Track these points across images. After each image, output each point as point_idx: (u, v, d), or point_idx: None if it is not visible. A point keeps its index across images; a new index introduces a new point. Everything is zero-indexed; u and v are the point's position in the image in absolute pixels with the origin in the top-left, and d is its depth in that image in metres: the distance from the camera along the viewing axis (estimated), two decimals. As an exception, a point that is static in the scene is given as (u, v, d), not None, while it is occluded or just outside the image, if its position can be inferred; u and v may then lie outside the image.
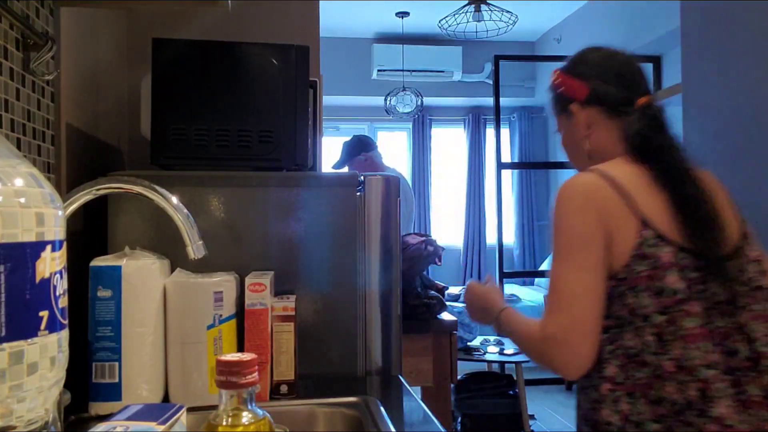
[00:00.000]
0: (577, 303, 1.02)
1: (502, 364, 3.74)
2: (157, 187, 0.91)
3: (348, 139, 3.39)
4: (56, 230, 0.57)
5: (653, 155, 1.11)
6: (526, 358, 3.62)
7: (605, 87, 1.18)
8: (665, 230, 1.03)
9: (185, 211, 0.92)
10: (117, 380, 1.01)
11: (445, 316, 2.25)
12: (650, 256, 1.02)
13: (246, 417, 0.63)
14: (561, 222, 1.08)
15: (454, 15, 4.10)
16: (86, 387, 1.01)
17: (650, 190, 1.07)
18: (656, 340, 1.01)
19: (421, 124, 6.35)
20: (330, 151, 3.57)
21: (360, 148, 3.28)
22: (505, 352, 3.68)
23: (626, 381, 1.02)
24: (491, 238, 6.23)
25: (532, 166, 6.52)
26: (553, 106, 1.29)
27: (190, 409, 0.74)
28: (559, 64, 1.38)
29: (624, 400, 1.02)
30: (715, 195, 1.11)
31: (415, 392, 1.19)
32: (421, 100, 5.38)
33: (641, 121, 1.14)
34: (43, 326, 0.54)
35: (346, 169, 3.33)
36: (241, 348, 1.12)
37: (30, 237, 0.53)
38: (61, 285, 0.58)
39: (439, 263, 2.31)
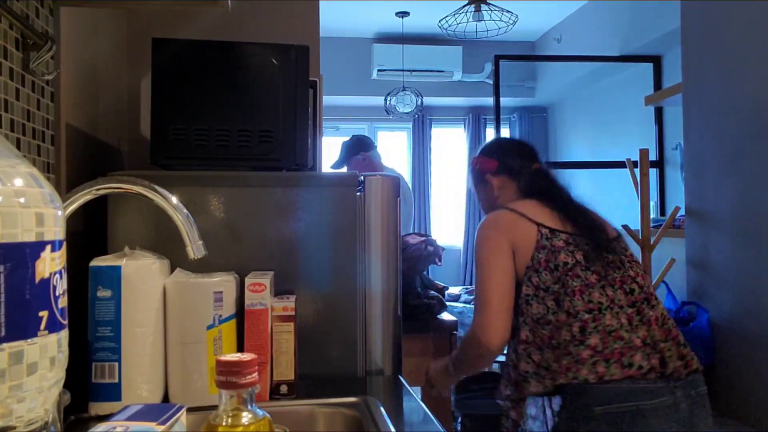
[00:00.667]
0: (490, 306, 1.45)
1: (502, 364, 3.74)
2: (157, 187, 0.91)
3: (347, 138, 3.39)
4: (56, 230, 0.57)
5: (544, 194, 1.57)
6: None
7: (508, 160, 1.67)
8: (557, 226, 1.48)
9: (185, 211, 0.92)
10: (117, 380, 1.01)
11: (445, 316, 2.25)
12: (547, 245, 1.44)
13: (246, 417, 0.63)
14: (478, 247, 1.51)
15: (454, 15, 4.10)
16: (86, 387, 1.01)
17: (541, 208, 1.51)
18: (554, 302, 1.39)
19: (421, 124, 6.35)
20: (330, 151, 3.57)
21: (359, 148, 3.28)
22: (506, 352, 3.67)
23: (535, 339, 1.40)
24: (491, 238, 6.22)
25: (532, 166, 6.50)
26: (473, 181, 1.74)
27: (190, 410, 0.74)
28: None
29: (535, 353, 1.40)
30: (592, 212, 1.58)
31: (415, 392, 1.19)
32: (421, 100, 5.38)
33: (535, 175, 1.64)
34: (42, 326, 0.54)
35: (344, 169, 3.33)
36: (241, 348, 1.12)
37: (30, 237, 0.53)
38: (61, 285, 0.58)
39: (439, 263, 2.31)
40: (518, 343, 1.44)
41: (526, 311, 1.43)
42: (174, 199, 0.92)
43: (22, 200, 0.53)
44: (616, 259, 1.46)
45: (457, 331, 2.20)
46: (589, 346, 1.33)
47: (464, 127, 6.46)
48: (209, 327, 1.07)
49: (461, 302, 4.91)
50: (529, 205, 1.53)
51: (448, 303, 2.39)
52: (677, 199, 3.71)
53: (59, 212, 0.58)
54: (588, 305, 1.37)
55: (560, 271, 1.41)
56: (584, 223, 1.49)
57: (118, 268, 1.02)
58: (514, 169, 1.65)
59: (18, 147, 1.01)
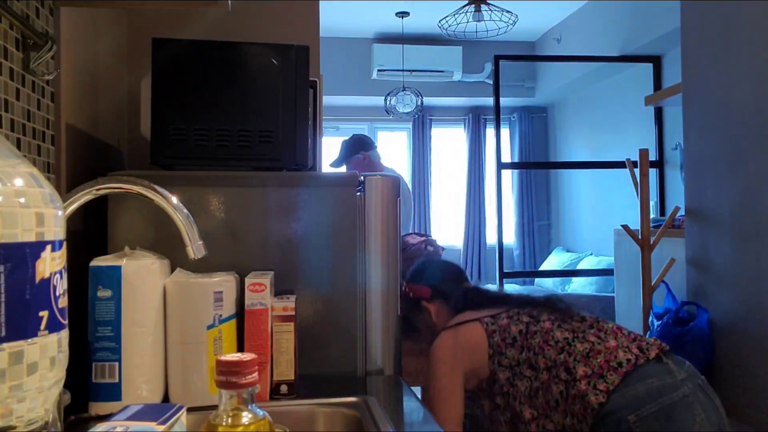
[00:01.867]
0: (441, 413, 1.50)
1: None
2: (157, 187, 0.91)
3: (347, 137, 3.39)
4: (56, 230, 0.57)
5: (479, 305, 1.63)
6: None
7: (439, 285, 1.72)
8: (494, 311, 1.58)
9: (185, 211, 0.92)
10: (117, 380, 1.01)
11: (445, 316, 2.25)
12: (496, 329, 1.53)
13: (246, 417, 0.63)
14: (431, 376, 1.55)
15: (454, 15, 4.10)
16: (86, 387, 1.01)
17: (477, 311, 1.60)
18: (531, 369, 1.46)
19: (421, 124, 6.35)
20: (330, 151, 3.57)
21: (359, 147, 3.28)
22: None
23: (538, 411, 1.46)
24: (491, 238, 6.23)
25: (532, 166, 6.52)
26: (408, 308, 1.67)
27: (190, 409, 0.74)
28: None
29: (548, 424, 1.45)
30: None
31: (416, 392, 1.19)
32: (421, 100, 5.38)
33: (468, 292, 1.71)
34: (42, 326, 0.54)
35: (344, 168, 3.33)
36: (241, 348, 1.12)
37: (30, 237, 0.53)
38: (61, 285, 0.58)
39: (439, 263, 2.31)
40: (528, 425, 1.47)
41: (515, 394, 1.48)
42: (174, 199, 0.92)
43: (22, 200, 0.53)
44: (554, 304, 1.59)
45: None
46: (581, 378, 1.39)
47: (464, 127, 6.46)
48: (209, 327, 1.07)
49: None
50: (465, 314, 1.61)
51: (448, 303, 2.38)
52: (677, 199, 3.71)
53: (59, 212, 0.58)
54: (558, 347, 1.45)
55: (519, 340, 1.50)
56: (511, 296, 1.65)
57: (118, 268, 1.02)
58: (446, 293, 1.71)
59: (18, 147, 1.01)
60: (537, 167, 6.53)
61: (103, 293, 1.01)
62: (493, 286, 5.48)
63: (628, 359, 1.39)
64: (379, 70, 5.66)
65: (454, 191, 6.50)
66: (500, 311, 1.58)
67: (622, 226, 2.76)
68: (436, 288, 1.72)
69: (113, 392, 1.01)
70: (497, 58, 4.33)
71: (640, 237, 2.69)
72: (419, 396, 1.51)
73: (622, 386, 1.35)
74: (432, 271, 1.79)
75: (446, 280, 1.75)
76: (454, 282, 1.75)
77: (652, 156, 4.08)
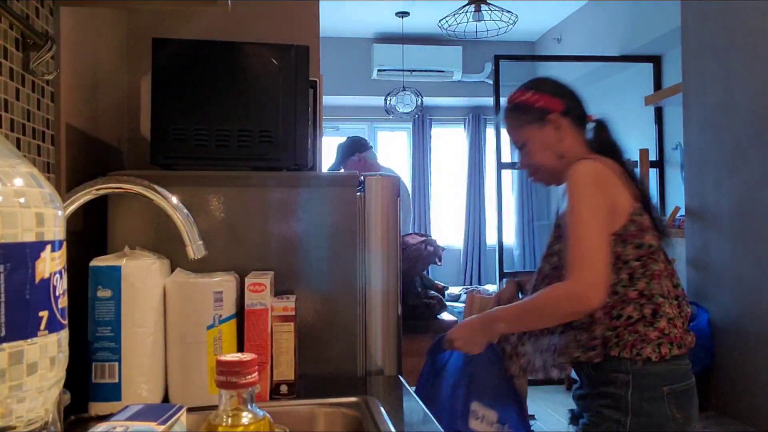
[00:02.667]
0: (597, 262, 1.33)
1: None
2: (157, 187, 0.91)
3: (342, 141, 3.40)
4: (56, 230, 0.57)
5: (613, 154, 1.50)
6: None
7: (572, 103, 1.54)
8: (640, 203, 1.43)
9: (185, 211, 0.92)
10: (117, 380, 1.01)
11: (445, 316, 2.25)
12: (636, 221, 1.41)
13: (246, 417, 0.63)
14: (579, 196, 1.39)
15: (454, 15, 4.10)
16: (86, 387, 1.01)
17: (623, 176, 1.45)
18: (628, 277, 1.39)
19: (421, 124, 6.35)
20: (330, 151, 3.57)
21: (354, 149, 3.29)
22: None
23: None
24: (491, 238, 6.23)
25: (532, 166, 6.50)
26: (520, 119, 1.55)
27: (190, 410, 0.74)
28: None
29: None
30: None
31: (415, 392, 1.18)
32: (421, 100, 5.38)
33: (604, 131, 1.54)
34: (42, 326, 0.54)
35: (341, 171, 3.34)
36: (241, 348, 1.12)
37: (30, 237, 0.53)
38: (61, 285, 0.58)
39: (439, 263, 2.31)
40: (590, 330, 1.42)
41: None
42: (174, 199, 0.92)
43: (22, 200, 0.53)
44: (665, 252, 1.48)
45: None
46: (657, 329, 1.36)
47: (464, 127, 6.46)
48: (209, 327, 1.07)
49: (461, 302, 4.91)
50: (615, 168, 1.44)
51: (448, 303, 2.39)
52: (677, 199, 3.71)
53: (59, 212, 0.58)
54: (661, 290, 1.39)
55: (644, 251, 1.39)
56: (650, 206, 1.47)
57: (118, 268, 1.02)
58: (580, 117, 1.53)
59: (18, 147, 1.01)
60: (537, 167, 6.51)
61: (103, 293, 1.01)
62: (494, 287, 5.49)
63: (688, 342, 1.41)
64: (379, 70, 5.66)
65: (454, 191, 6.50)
66: (644, 208, 1.43)
67: (622, 226, 2.76)
68: (569, 105, 1.53)
69: (113, 392, 1.01)
70: (497, 58, 4.33)
71: (640, 237, 2.69)
72: (419, 396, 1.51)
73: (673, 360, 1.36)
74: (563, 87, 1.57)
75: (578, 100, 1.55)
76: (582, 107, 1.56)
77: (652, 156, 4.08)
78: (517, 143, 1.57)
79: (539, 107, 1.52)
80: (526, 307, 1.43)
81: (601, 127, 1.55)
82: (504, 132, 1.67)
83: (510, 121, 1.58)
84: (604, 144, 1.52)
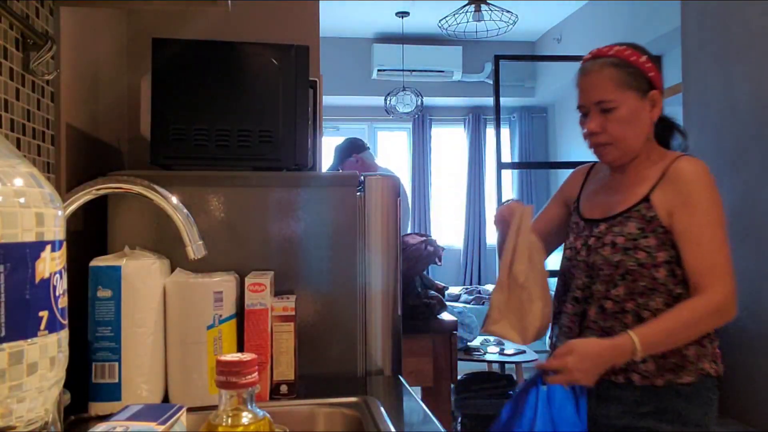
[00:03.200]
0: (730, 271, 1.29)
1: (502, 364, 3.75)
2: (157, 187, 0.91)
3: (340, 142, 3.41)
4: (56, 230, 0.57)
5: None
6: (526, 359, 3.62)
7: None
8: None
9: (185, 211, 0.92)
10: (117, 380, 1.01)
11: (445, 316, 2.25)
12: None
13: (246, 417, 0.63)
14: (712, 197, 1.31)
15: (454, 15, 4.10)
16: (86, 387, 1.01)
17: None
18: None
19: (421, 124, 6.35)
20: (330, 151, 3.58)
21: (351, 150, 3.31)
22: (506, 352, 3.67)
23: None
24: (491, 238, 6.23)
25: (532, 166, 6.52)
26: (624, 80, 1.35)
27: (189, 410, 0.74)
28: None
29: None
30: None
31: (415, 392, 1.18)
32: (421, 100, 5.38)
33: (671, 130, 1.47)
34: (42, 326, 0.54)
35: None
36: (241, 348, 1.12)
37: (30, 237, 0.53)
38: (61, 285, 0.58)
39: (439, 263, 2.31)
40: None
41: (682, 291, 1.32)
42: (174, 199, 0.92)
43: (22, 200, 0.53)
44: None
45: (456, 330, 2.19)
46: (714, 345, 1.35)
47: (464, 127, 6.46)
48: (209, 327, 1.07)
49: (461, 302, 4.91)
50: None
51: (448, 303, 2.39)
52: (677, 199, 3.70)
53: (59, 212, 0.58)
54: None
55: None
56: None
57: (118, 268, 1.02)
58: (659, 106, 1.39)
59: (18, 147, 1.01)
60: (537, 167, 6.54)
61: (103, 293, 1.01)
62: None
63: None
64: (379, 70, 5.66)
65: (454, 191, 6.50)
66: None
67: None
68: (659, 88, 1.39)
69: (113, 392, 1.01)
70: (497, 58, 4.33)
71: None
72: (419, 396, 1.51)
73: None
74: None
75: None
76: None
77: (652, 156, 4.07)
78: (604, 102, 1.34)
79: (649, 78, 1.36)
80: (671, 329, 1.27)
81: (670, 125, 1.45)
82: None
83: (609, 75, 1.34)
84: (666, 144, 1.44)
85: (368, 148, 3.37)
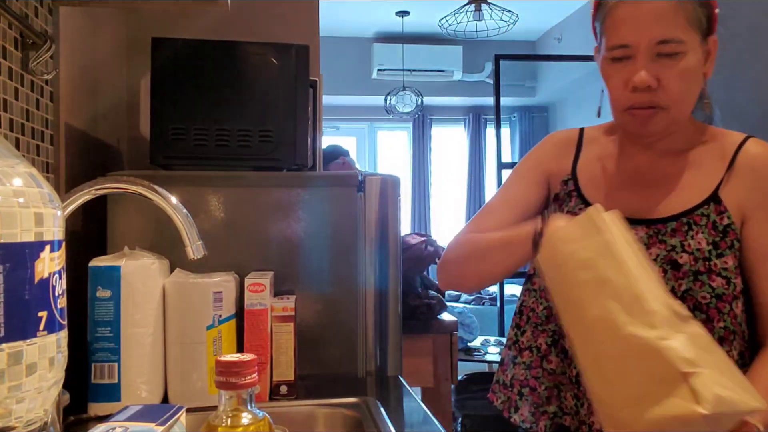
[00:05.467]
0: None
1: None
2: (157, 187, 0.91)
3: (324, 147, 3.50)
4: (55, 230, 0.57)
5: None
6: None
7: None
8: None
9: (184, 211, 0.92)
10: (116, 381, 1.01)
11: (446, 316, 2.25)
12: None
13: (245, 418, 0.63)
14: None
15: (455, 14, 4.10)
16: (85, 387, 1.01)
17: None
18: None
19: (421, 123, 6.35)
20: (330, 151, 3.62)
21: (337, 154, 3.41)
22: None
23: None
24: (491, 238, 6.22)
25: (532, 166, 6.50)
26: (693, 17, 0.93)
27: (189, 410, 0.74)
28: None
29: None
30: None
31: (416, 393, 1.18)
32: (421, 100, 5.38)
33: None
34: (42, 327, 0.54)
35: None
36: (240, 348, 1.11)
37: (29, 237, 0.53)
38: (60, 285, 0.58)
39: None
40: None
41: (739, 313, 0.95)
42: (173, 199, 0.92)
43: (21, 200, 0.53)
44: None
45: (457, 331, 2.19)
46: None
47: (464, 126, 6.46)
48: (209, 327, 1.07)
49: (461, 302, 4.91)
50: None
51: (448, 303, 2.39)
52: (677, 198, 3.70)
53: (58, 212, 0.58)
54: None
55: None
56: None
57: (117, 268, 1.02)
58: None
59: (17, 147, 1.01)
60: (537, 167, 6.52)
61: (103, 293, 1.01)
62: (494, 287, 5.48)
63: None
64: (379, 70, 5.66)
65: (454, 191, 6.50)
66: None
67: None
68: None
69: (112, 393, 1.01)
70: (498, 58, 4.33)
71: (640, 237, 2.68)
72: (419, 397, 1.51)
73: None
74: None
75: None
76: None
77: (653, 156, 4.07)
78: (670, 43, 0.91)
79: (713, 16, 0.97)
80: None
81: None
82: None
83: (679, 4, 0.91)
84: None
85: (348, 153, 3.48)
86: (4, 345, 0.51)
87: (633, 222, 0.95)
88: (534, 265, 0.99)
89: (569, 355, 0.96)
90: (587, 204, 1.01)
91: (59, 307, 0.57)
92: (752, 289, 0.95)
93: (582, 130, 1.13)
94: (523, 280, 1.18)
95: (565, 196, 1.05)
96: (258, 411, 0.64)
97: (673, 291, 0.90)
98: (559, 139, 1.13)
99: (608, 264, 0.78)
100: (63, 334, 0.58)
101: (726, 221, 0.94)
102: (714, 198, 0.95)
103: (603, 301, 0.77)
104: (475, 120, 6.40)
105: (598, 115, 1.18)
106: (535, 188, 1.09)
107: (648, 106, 0.94)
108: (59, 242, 0.58)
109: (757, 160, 0.96)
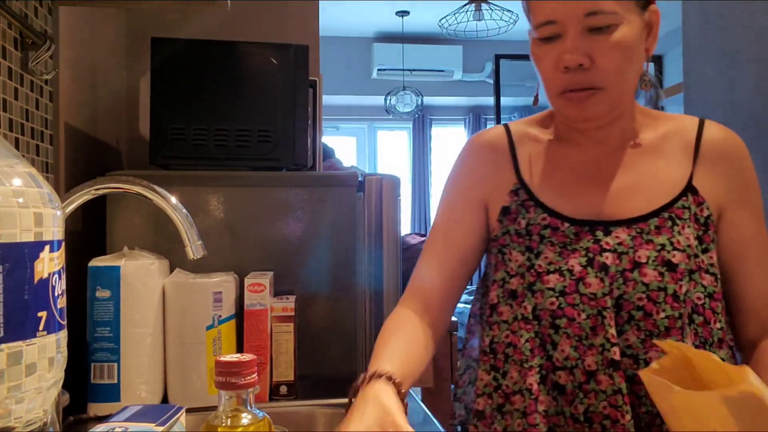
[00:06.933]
0: None
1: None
2: (157, 187, 0.91)
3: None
4: (55, 230, 0.57)
5: None
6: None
7: None
8: None
9: (184, 211, 0.92)
10: (116, 381, 1.01)
11: (445, 316, 2.24)
12: None
13: (245, 418, 0.63)
14: (758, 187, 0.90)
15: (455, 14, 4.10)
16: (85, 388, 1.01)
17: None
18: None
19: (421, 123, 6.34)
20: (330, 151, 3.62)
21: (326, 155, 3.43)
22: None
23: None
24: (491, 238, 6.23)
25: (532, 166, 6.50)
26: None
27: (189, 410, 0.74)
28: None
29: None
30: None
31: (415, 393, 1.18)
32: (421, 100, 5.38)
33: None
34: (41, 327, 0.54)
35: None
36: (240, 349, 1.11)
37: (28, 237, 0.53)
38: (60, 285, 0.58)
39: (439, 263, 2.30)
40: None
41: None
42: (173, 199, 0.92)
43: (20, 200, 0.52)
44: None
45: (457, 331, 2.19)
46: None
47: (464, 126, 6.46)
48: (208, 327, 1.07)
49: (461, 302, 4.91)
50: None
51: (448, 303, 2.38)
52: (677, 198, 3.70)
53: (58, 212, 0.58)
54: None
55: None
56: None
57: (117, 269, 1.02)
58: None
59: (17, 147, 1.01)
60: (537, 167, 6.51)
61: (102, 293, 1.01)
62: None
63: None
64: (379, 70, 5.66)
65: (454, 191, 6.49)
66: None
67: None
68: None
69: (112, 393, 1.01)
70: (498, 58, 4.33)
71: (640, 237, 2.68)
72: (419, 397, 1.51)
73: None
74: None
75: None
76: None
77: (652, 156, 4.07)
78: (599, 14, 0.80)
79: None
80: None
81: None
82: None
83: None
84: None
85: (335, 154, 3.51)
86: (3, 345, 0.51)
87: (610, 224, 0.86)
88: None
89: (566, 391, 0.85)
90: (551, 213, 0.89)
91: (59, 307, 0.57)
92: (734, 282, 0.89)
93: (506, 127, 1.01)
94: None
95: (519, 207, 0.91)
96: (258, 411, 0.64)
97: (675, 295, 0.82)
98: (488, 142, 1.00)
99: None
100: (62, 335, 0.58)
101: (706, 212, 0.87)
102: (690, 188, 0.87)
103: None
104: (475, 120, 6.39)
105: (535, 103, 1.04)
106: (475, 212, 0.96)
107: (583, 87, 0.83)
108: (59, 242, 0.58)
109: (725, 145, 0.89)
